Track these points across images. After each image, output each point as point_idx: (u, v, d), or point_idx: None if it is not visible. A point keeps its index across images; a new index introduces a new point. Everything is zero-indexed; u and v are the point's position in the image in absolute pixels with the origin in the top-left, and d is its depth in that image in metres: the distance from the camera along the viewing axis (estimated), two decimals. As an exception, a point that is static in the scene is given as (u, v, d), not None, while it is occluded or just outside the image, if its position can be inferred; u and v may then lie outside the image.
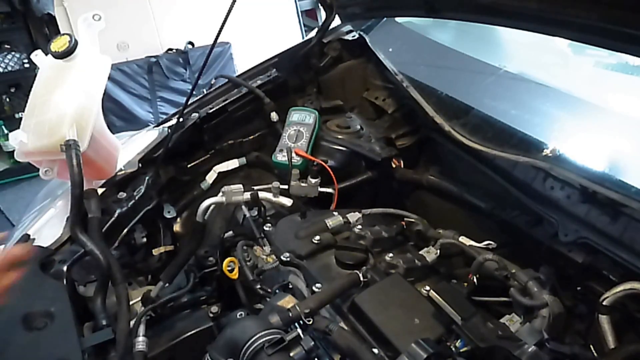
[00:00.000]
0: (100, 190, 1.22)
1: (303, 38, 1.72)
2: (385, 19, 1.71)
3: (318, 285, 1.01)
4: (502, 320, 0.99)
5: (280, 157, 1.38)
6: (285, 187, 1.35)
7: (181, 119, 1.47)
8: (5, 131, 4.10)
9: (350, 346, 0.85)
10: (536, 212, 1.11)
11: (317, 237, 1.13)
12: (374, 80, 1.66)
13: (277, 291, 1.08)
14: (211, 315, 1.10)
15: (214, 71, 4.47)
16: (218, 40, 1.26)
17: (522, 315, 0.98)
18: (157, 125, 1.60)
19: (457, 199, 1.33)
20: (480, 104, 1.30)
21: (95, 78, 1.19)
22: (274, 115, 1.53)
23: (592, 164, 1.02)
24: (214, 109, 1.52)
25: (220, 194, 1.25)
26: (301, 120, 1.45)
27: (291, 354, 0.80)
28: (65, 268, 1.07)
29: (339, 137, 1.45)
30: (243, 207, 1.24)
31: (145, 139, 1.46)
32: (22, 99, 4.04)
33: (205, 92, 1.63)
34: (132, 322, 0.99)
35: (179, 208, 1.46)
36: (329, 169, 1.34)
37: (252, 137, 1.62)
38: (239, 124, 1.59)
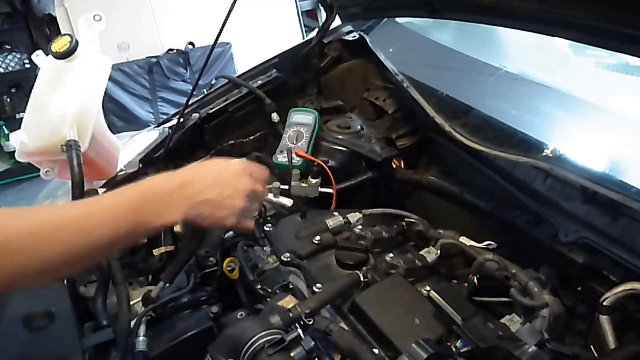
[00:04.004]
0: (100, 191, 1.22)
1: (303, 38, 1.72)
2: (385, 19, 1.71)
3: (318, 285, 1.01)
4: (502, 321, 0.99)
5: (281, 158, 1.38)
6: (286, 187, 1.35)
7: (182, 119, 1.47)
8: (6, 131, 4.11)
9: (350, 346, 0.85)
10: (536, 212, 1.11)
11: (318, 238, 1.13)
12: (374, 80, 1.66)
13: (277, 291, 1.08)
14: (212, 315, 1.10)
15: (215, 71, 4.47)
16: (218, 41, 1.27)
17: (523, 316, 0.98)
18: (158, 126, 1.61)
19: (457, 199, 1.33)
20: (481, 104, 1.30)
21: (96, 78, 1.19)
22: (275, 116, 1.53)
23: (592, 164, 1.02)
24: (215, 110, 1.52)
25: (221, 194, 1.25)
26: (301, 121, 1.45)
27: (292, 354, 0.80)
28: (65, 268, 1.07)
29: (340, 137, 1.45)
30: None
31: (145, 139, 1.46)
32: (22, 99, 4.04)
33: (205, 93, 1.63)
34: (132, 322, 0.99)
35: (180, 208, 1.46)
36: (328, 170, 1.34)
37: (252, 137, 1.62)
38: (239, 124, 1.59)
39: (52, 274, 0.69)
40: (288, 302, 1.00)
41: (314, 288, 1.00)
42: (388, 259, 1.10)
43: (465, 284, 1.10)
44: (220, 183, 0.78)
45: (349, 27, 1.70)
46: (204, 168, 0.81)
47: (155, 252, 1.28)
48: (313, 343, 0.82)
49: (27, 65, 4.09)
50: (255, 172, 0.85)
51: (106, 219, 0.68)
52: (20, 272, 0.63)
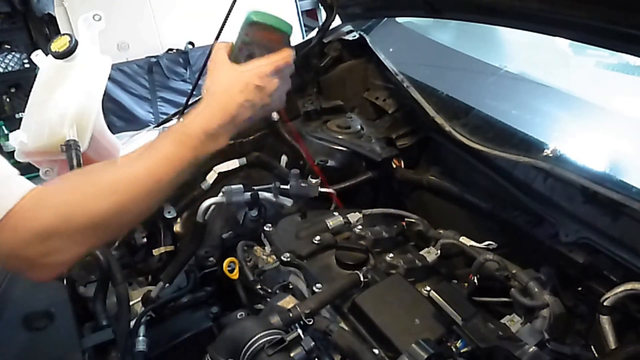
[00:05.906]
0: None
1: (303, 38, 1.72)
2: (385, 19, 1.71)
3: (318, 285, 1.01)
4: (502, 321, 0.99)
5: None
6: (286, 187, 1.34)
7: (181, 119, 1.47)
8: (6, 131, 4.10)
9: (350, 346, 0.85)
10: (537, 212, 1.11)
11: (318, 238, 1.13)
12: (374, 80, 1.66)
13: (277, 291, 1.07)
14: (211, 315, 1.11)
15: (214, 71, 4.46)
16: (218, 41, 1.26)
17: (523, 316, 0.98)
18: (158, 126, 1.61)
19: (457, 199, 1.33)
20: (481, 104, 1.30)
21: (96, 78, 1.19)
22: (274, 116, 1.53)
23: (592, 164, 1.02)
24: (214, 109, 1.52)
25: (221, 194, 1.25)
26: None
27: (291, 355, 0.80)
28: (65, 268, 1.07)
29: (340, 137, 1.45)
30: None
31: (145, 139, 1.46)
32: (22, 99, 4.04)
33: (205, 92, 1.62)
34: (132, 323, 0.99)
35: (179, 208, 1.46)
36: (320, 173, 1.32)
37: (252, 137, 1.61)
38: (239, 124, 1.58)
39: (138, 210, 0.78)
40: (288, 302, 1.00)
41: (314, 288, 1.00)
42: (388, 259, 1.10)
43: (466, 284, 1.10)
44: (248, 101, 0.85)
45: (349, 27, 1.70)
46: (226, 97, 0.86)
47: (155, 252, 1.28)
48: (313, 343, 0.81)
49: (27, 65, 4.09)
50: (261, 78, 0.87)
51: (173, 163, 0.79)
52: (119, 207, 0.74)
